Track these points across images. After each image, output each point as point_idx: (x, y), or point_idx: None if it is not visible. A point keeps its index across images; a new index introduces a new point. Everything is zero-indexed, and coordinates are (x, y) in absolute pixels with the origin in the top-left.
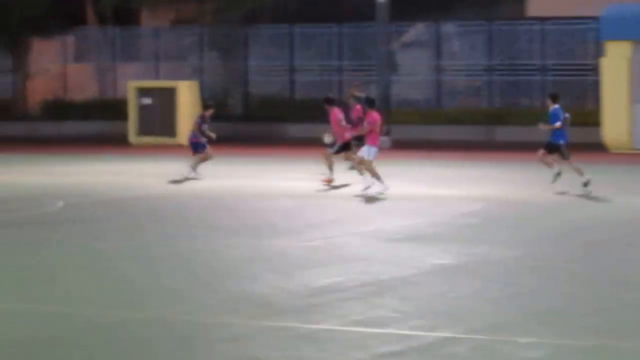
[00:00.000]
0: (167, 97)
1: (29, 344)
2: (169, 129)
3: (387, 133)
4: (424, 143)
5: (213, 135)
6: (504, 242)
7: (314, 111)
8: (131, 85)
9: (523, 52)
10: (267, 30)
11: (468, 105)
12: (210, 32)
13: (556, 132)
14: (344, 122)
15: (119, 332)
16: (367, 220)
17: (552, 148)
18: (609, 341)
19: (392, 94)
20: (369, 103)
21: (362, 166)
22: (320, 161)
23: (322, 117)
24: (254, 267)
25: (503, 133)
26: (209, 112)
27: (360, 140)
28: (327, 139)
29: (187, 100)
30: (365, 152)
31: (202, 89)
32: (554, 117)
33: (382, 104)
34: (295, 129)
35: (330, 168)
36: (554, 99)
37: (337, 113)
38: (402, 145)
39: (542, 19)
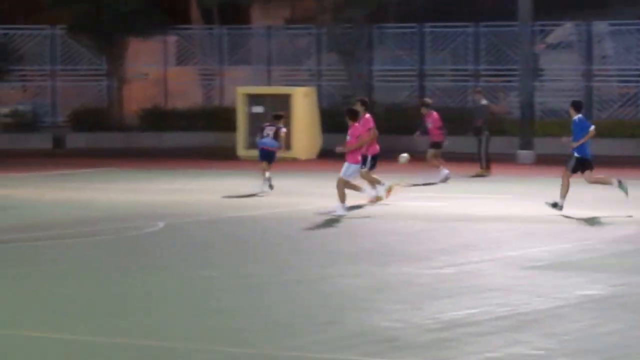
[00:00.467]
0: (280, 105)
1: None
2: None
3: (526, 145)
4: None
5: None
6: None
7: (446, 122)
8: (240, 92)
9: None
10: (393, 30)
11: (621, 116)
12: (330, 32)
13: (581, 145)
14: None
15: None
16: (504, 245)
17: (584, 165)
18: None
19: (536, 102)
20: (351, 114)
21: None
22: (365, 180)
23: (457, 129)
24: (376, 297)
25: None
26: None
27: (438, 147)
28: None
29: (303, 109)
30: (344, 169)
31: (320, 97)
32: (579, 128)
33: (525, 113)
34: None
35: (374, 184)
36: (577, 108)
37: (369, 121)
38: (547, 161)
39: None
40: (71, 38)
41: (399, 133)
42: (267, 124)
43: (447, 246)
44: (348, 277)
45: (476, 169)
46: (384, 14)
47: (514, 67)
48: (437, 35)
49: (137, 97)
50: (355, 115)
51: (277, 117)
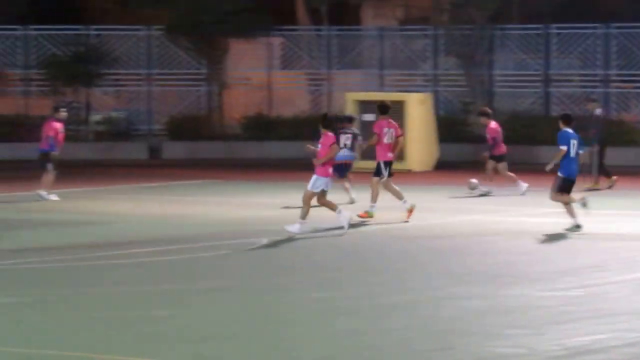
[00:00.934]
0: (394, 112)
1: None
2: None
3: None
4: None
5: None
6: None
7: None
8: (350, 98)
9: None
10: (516, 31)
11: None
12: (447, 33)
13: (562, 163)
14: (387, 139)
15: None
16: (635, 266)
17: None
18: None
19: None
20: (325, 123)
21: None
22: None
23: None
24: (492, 322)
25: None
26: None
27: (499, 159)
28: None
29: (418, 117)
30: (311, 182)
31: (436, 103)
32: (562, 139)
33: None
34: (549, 153)
35: (399, 197)
36: (566, 121)
37: (383, 124)
38: None
39: None
40: (168, 40)
41: (522, 143)
42: (342, 129)
43: (570, 266)
44: (463, 299)
45: (589, 182)
46: (507, 14)
47: None
48: (564, 37)
49: (238, 103)
50: (329, 123)
51: (350, 120)
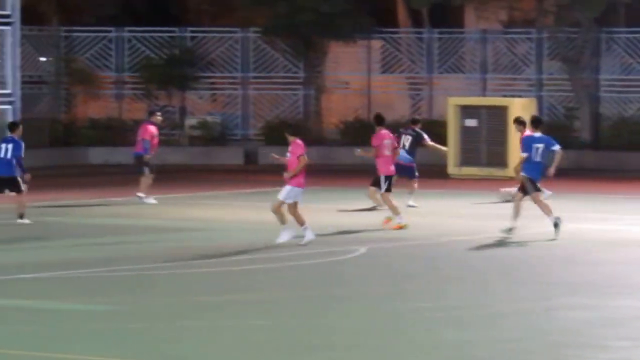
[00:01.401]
0: (496, 118)
1: None
2: (498, 157)
3: None
4: None
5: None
6: None
7: None
8: (452, 103)
9: None
10: (623, 35)
11: None
12: (552, 36)
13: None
14: (387, 151)
15: None
16: None
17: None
18: None
19: None
20: (292, 130)
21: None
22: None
23: None
24: (600, 333)
25: None
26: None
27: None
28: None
29: None
30: (284, 193)
31: (540, 109)
32: (523, 145)
33: None
34: None
35: (396, 212)
36: (536, 124)
37: (384, 136)
38: None
39: None
40: (265, 42)
41: (629, 149)
42: (404, 130)
43: None
44: (567, 310)
45: None
46: (614, 16)
47: None
48: None
49: (337, 108)
50: (298, 129)
51: (414, 122)
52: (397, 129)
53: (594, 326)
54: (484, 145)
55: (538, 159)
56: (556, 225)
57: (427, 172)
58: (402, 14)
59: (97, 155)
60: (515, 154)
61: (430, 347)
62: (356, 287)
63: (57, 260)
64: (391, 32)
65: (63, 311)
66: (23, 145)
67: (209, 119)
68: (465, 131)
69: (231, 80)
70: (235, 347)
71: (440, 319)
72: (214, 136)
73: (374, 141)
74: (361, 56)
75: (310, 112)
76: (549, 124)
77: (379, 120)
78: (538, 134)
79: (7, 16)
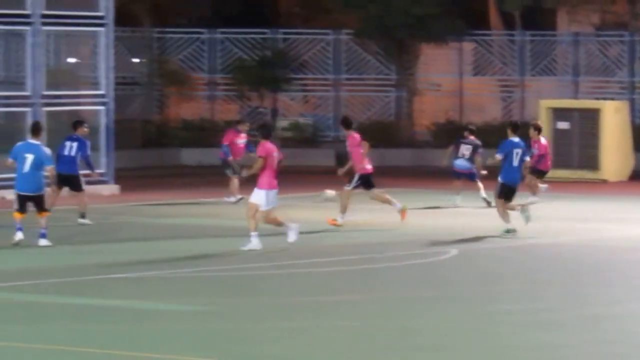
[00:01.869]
0: (588, 121)
1: None
2: (590, 160)
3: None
4: None
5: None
6: None
7: None
8: (544, 106)
9: None
10: None
11: None
12: None
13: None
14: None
15: None
16: None
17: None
18: None
19: None
20: (263, 132)
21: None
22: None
23: None
24: None
25: None
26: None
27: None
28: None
29: (614, 125)
30: (256, 197)
31: (633, 112)
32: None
33: None
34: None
35: (343, 209)
36: (514, 129)
37: (357, 137)
38: None
39: None
40: (357, 44)
41: None
42: (463, 138)
43: None
44: None
45: None
46: None
47: None
48: None
49: (428, 110)
50: (268, 132)
51: (472, 132)
52: (456, 138)
53: None
54: (576, 148)
55: (516, 164)
56: (508, 231)
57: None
58: (494, 16)
59: (190, 156)
60: (608, 157)
61: (520, 350)
62: (447, 289)
63: (148, 259)
64: (483, 34)
65: (152, 311)
66: (89, 143)
67: (301, 120)
68: (557, 134)
69: (323, 82)
70: (324, 348)
71: (530, 321)
72: (305, 138)
73: (352, 143)
74: (453, 58)
75: (402, 114)
76: None
77: (348, 124)
78: (517, 139)
79: (101, 17)
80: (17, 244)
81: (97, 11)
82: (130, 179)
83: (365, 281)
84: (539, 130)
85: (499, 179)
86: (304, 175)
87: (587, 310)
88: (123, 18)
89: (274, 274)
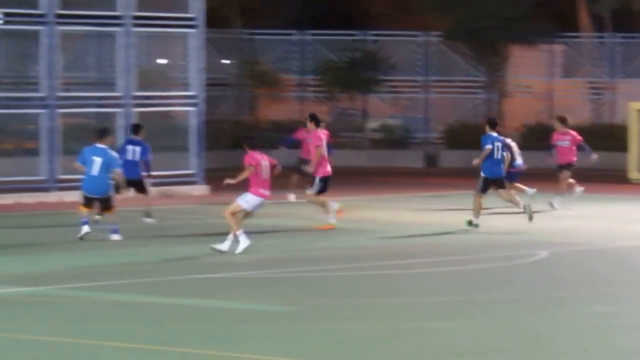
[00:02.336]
0: None
1: None
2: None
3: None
4: None
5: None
6: None
7: None
8: (634, 108)
9: None
10: None
11: None
12: None
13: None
14: (324, 150)
15: None
16: None
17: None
18: None
19: None
20: (249, 143)
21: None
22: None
23: None
24: None
25: None
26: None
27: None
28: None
29: None
30: (241, 198)
31: None
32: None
33: None
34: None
35: (325, 207)
36: (492, 125)
37: (320, 136)
38: None
39: None
40: (446, 46)
41: None
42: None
43: None
44: None
45: None
46: None
47: None
48: None
49: (518, 112)
50: (252, 144)
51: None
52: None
53: None
54: None
55: (498, 157)
56: (470, 224)
57: (607, 176)
58: (584, 18)
59: (280, 156)
60: None
61: (605, 353)
62: (535, 291)
63: (237, 261)
64: (573, 37)
65: (235, 310)
66: (150, 147)
67: (391, 121)
68: None
69: (412, 84)
70: (406, 349)
71: (618, 325)
72: (395, 139)
73: (314, 142)
74: (543, 60)
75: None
76: None
77: (316, 121)
78: (495, 134)
79: (192, 19)
80: (83, 238)
81: (188, 13)
82: (220, 179)
83: (456, 283)
84: (563, 121)
85: (482, 173)
86: (392, 176)
87: None
88: (214, 20)
89: (361, 275)
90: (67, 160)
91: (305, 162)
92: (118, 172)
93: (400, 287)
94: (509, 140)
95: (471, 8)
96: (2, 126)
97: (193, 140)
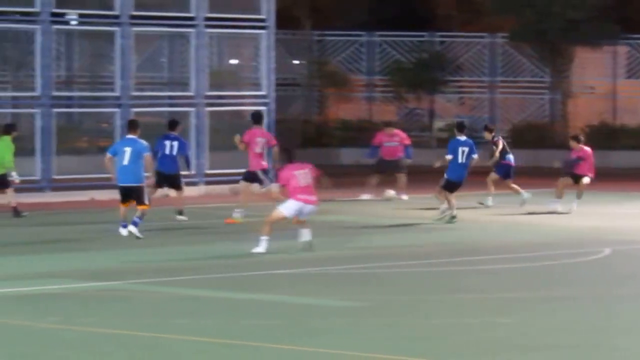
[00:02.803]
0: None
1: None
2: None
3: None
4: None
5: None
6: None
7: None
8: None
9: None
10: None
11: None
12: None
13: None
14: (259, 148)
15: None
16: None
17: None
18: None
19: None
20: (287, 156)
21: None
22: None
23: None
24: None
25: None
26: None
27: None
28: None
29: None
30: (283, 207)
31: None
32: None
33: None
34: None
35: (244, 205)
36: (460, 129)
37: (256, 133)
38: None
39: None
40: (512, 47)
41: None
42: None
43: None
44: None
45: None
46: None
47: None
48: None
49: (582, 112)
50: (290, 157)
51: (490, 130)
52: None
53: None
54: None
55: (463, 161)
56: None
57: None
58: None
59: (349, 155)
60: None
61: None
62: (600, 288)
63: (306, 257)
64: (637, 38)
65: (305, 305)
66: (188, 143)
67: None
68: None
69: (479, 84)
70: (478, 344)
71: None
72: None
73: (245, 137)
74: (607, 61)
75: (556, 116)
76: None
77: (256, 119)
78: (463, 138)
79: (263, 20)
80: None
81: (259, 14)
82: None
83: (519, 280)
84: (577, 141)
85: (445, 175)
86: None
87: None
88: (284, 21)
89: (429, 271)
90: None
91: (387, 163)
92: (148, 158)
93: (467, 283)
94: (497, 139)
95: (536, 10)
96: (77, 125)
97: None
